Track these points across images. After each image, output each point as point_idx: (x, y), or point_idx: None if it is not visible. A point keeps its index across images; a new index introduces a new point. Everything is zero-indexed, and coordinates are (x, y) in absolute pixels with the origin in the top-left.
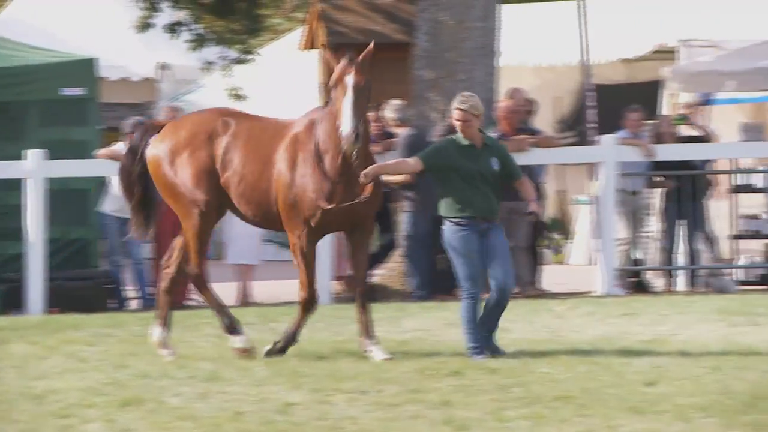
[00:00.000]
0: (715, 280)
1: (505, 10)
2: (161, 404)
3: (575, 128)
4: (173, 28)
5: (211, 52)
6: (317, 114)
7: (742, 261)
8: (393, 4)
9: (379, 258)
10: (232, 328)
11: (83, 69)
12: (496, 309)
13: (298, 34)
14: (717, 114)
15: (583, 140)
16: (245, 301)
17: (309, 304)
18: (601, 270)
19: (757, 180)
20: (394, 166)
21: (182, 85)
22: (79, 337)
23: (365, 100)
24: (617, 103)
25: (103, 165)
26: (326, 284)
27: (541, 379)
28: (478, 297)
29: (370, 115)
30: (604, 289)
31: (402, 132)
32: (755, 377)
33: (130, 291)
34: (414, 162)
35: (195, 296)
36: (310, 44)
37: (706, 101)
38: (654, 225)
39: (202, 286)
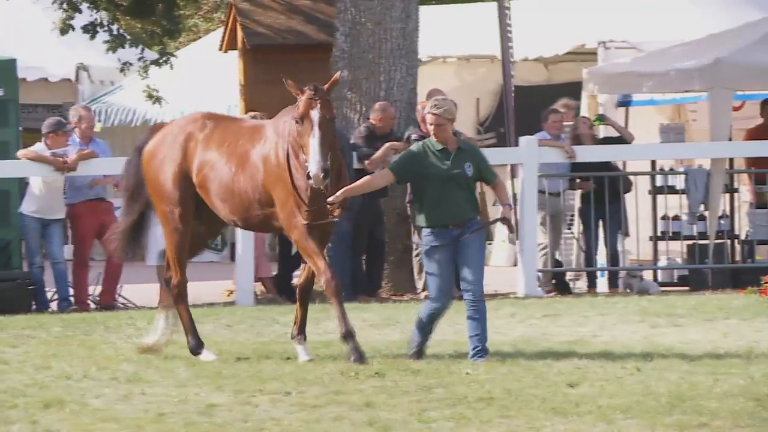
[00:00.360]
0: (636, 281)
1: (425, 11)
2: (83, 406)
3: (495, 129)
4: (91, 29)
5: (130, 53)
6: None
7: (662, 262)
8: (312, 5)
9: (299, 259)
10: (197, 349)
11: (2, 70)
12: (473, 320)
13: (218, 36)
14: (635, 115)
15: (502, 141)
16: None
17: (334, 287)
18: (522, 271)
19: (677, 181)
20: (364, 185)
21: (101, 86)
22: (1, 339)
23: (332, 134)
24: (537, 104)
25: (23, 166)
26: (249, 286)
27: (463, 380)
28: (443, 309)
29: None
30: (525, 290)
31: None
32: (676, 378)
33: (50, 292)
34: (385, 174)
35: (122, 297)
36: (230, 45)
37: (625, 102)
38: (575, 226)
39: (180, 299)
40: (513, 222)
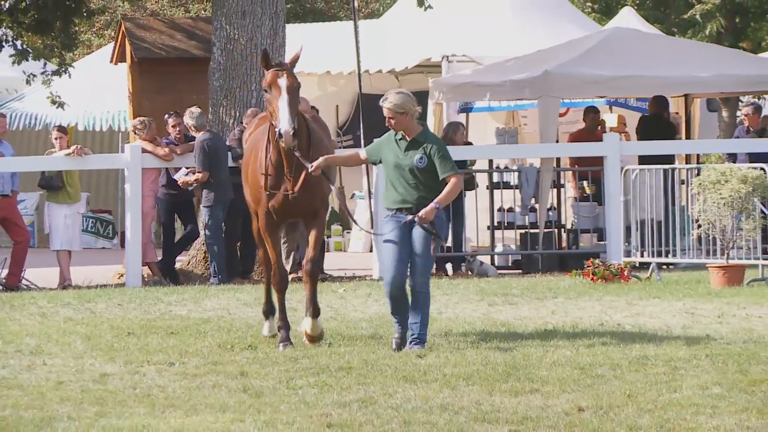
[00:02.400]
0: (476, 264)
1: (291, 28)
2: None
3: (352, 132)
4: None
5: (33, 65)
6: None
7: (499, 248)
8: (192, 23)
9: (182, 246)
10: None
11: None
12: (413, 307)
13: (109, 49)
14: (474, 120)
15: (358, 143)
16: (65, 285)
17: (275, 279)
18: (377, 257)
19: (511, 178)
20: (344, 159)
21: (7, 94)
22: None
23: (297, 100)
24: None
25: None
26: (137, 270)
27: (325, 352)
28: (397, 282)
29: (173, 120)
30: (380, 273)
31: (200, 135)
32: (511, 349)
33: None
34: (361, 152)
35: (26, 279)
36: (120, 58)
37: (466, 109)
38: None
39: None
40: (429, 223)
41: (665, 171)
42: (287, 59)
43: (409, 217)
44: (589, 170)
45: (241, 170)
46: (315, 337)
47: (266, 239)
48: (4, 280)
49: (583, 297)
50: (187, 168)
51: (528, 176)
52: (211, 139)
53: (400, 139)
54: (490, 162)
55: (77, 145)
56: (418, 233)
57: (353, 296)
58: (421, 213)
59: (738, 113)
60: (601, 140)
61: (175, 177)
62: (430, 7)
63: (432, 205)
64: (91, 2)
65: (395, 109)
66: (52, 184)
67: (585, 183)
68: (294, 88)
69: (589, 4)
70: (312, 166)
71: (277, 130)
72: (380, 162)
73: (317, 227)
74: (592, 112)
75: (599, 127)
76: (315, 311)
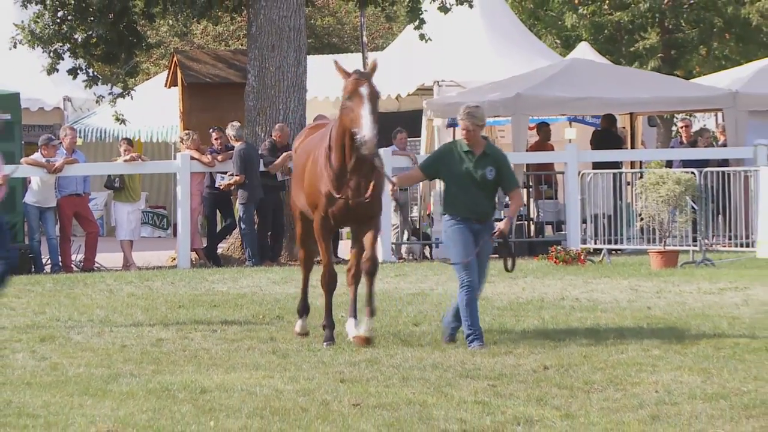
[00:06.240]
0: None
1: (311, 59)
2: (68, 340)
3: None
4: (74, 71)
5: (102, 89)
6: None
7: None
8: (231, 55)
9: (223, 235)
10: (300, 313)
11: (9, 101)
12: (465, 309)
13: (163, 76)
14: (459, 133)
15: None
16: (127, 266)
17: (327, 282)
18: (380, 243)
19: None
20: (408, 177)
21: (81, 112)
22: (9, 292)
23: (377, 109)
24: (391, 126)
25: (26, 169)
26: (186, 255)
27: (339, 322)
28: (475, 286)
29: (215, 134)
30: (383, 257)
31: (238, 145)
32: (489, 320)
33: (45, 259)
34: (416, 171)
35: (97, 263)
36: (172, 83)
37: (453, 124)
38: (415, 212)
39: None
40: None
41: (614, 174)
42: (309, 87)
43: (477, 226)
44: (552, 174)
45: (269, 174)
46: (370, 339)
47: (320, 242)
48: (81, 264)
49: (547, 277)
50: (226, 173)
51: None
52: (246, 149)
53: (467, 152)
54: None
55: (134, 153)
56: (484, 247)
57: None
58: (501, 226)
59: (673, 128)
60: (551, 150)
61: (218, 184)
62: (429, 39)
63: (507, 218)
64: (149, 38)
65: (477, 122)
66: (114, 186)
67: (546, 186)
68: (375, 97)
69: (555, 39)
70: (393, 183)
71: (360, 136)
72: (434, 176)
73: (375, 228)
74: (544, 127)
75: (549, 139)
76: (372, 310)
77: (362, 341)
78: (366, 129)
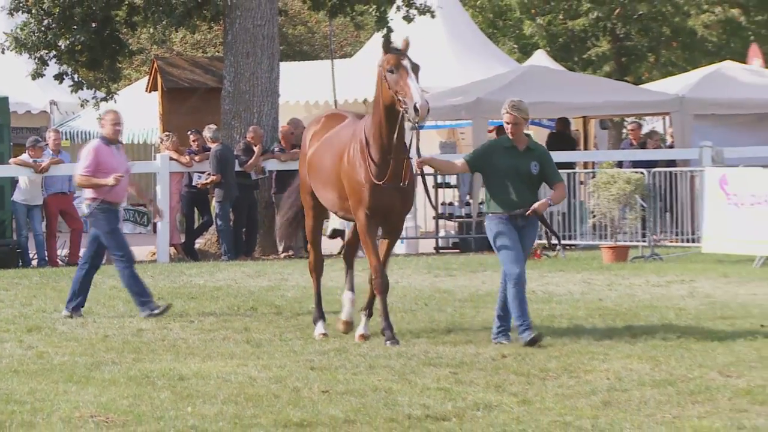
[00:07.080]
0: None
1: (283, 65)
2: (54, 330)
3: None
4: (60, 76)
5: (86, 93)
6: (364, 118)
7: (442, 233)
8: (208, 62)
9: (200, 231)
10: (315, 321)
11: None
12: (513, 301)
13: (144, 81)
14: (423, 135)
15: None
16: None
17: (380, 285)
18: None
19: (451, 179)
20: (445, 165)
21: (66, 115)
22: None
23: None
24: None
25: (14, 169)
26: (166, 250)
27: (309, 315)
28: (523, 279)
29: (193, 136)
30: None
31: (215, 146)
32: (451, 311)
33: (32, 254)
34: (462, 163)
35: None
36: (153, 88)
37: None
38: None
39: (313, 273)
40: (543, 217)
41: (569, 174)
42: (281, 91)
43: (518, 210)
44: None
45: (244, 173)
46: (368, 337)
47: (367, 243)
48: (66, 258)
49: None
50: (203, 173)
51: (464, 178)
52: (222, 150)
53: (511, 147)
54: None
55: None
56: (530, 232)
57: (330, 269)
58: (536, 205)
59: (623, 130)
60: None
61: (195, 183)
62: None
63: (545, 200)
64: (131, 45)
65: (523, 115)
66: None
67: None
68: (417, 69)
69: (513, 45)
70: (419, 159)
71: (411, 105)
72: (479, 170)
73: (396, 236)
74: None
75: None
76: (370, 313)
77: (361, 339)
78: (416, 96)
